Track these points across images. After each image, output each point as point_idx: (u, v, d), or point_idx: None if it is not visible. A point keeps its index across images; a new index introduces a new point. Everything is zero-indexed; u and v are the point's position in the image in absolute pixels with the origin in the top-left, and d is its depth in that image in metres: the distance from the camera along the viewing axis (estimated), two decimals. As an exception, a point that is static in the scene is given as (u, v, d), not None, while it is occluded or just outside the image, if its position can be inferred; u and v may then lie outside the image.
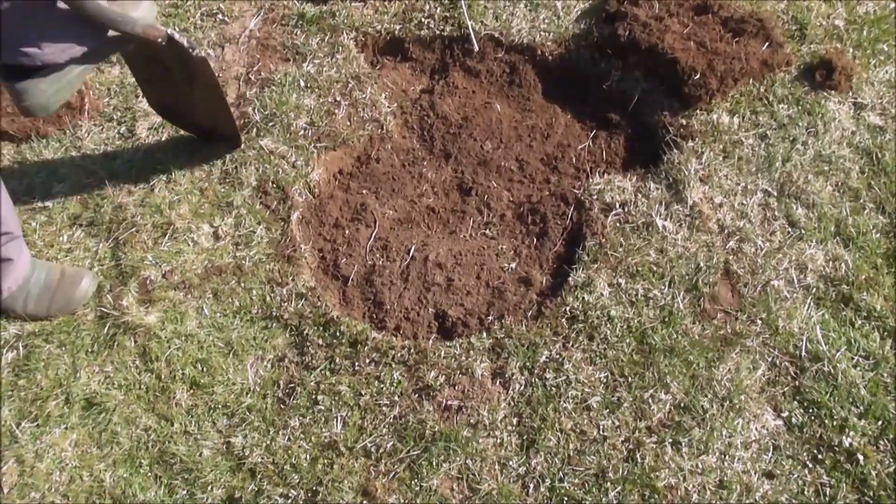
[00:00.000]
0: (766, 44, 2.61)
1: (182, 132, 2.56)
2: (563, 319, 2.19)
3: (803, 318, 2.19)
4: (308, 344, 2.18)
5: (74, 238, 2.37)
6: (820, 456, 2.01)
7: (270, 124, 2.58)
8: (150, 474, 2.02)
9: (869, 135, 2.51)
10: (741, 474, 1.98)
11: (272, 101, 2.62)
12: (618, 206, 2.37)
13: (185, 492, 2.00)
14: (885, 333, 2.17)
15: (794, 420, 2.06)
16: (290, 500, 1.97)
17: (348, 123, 2.60)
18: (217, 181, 2.46)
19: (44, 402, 2.10)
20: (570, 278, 2.26)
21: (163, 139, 2.54)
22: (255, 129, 2.58)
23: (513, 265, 2.35)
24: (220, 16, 2.84)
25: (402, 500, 1.97)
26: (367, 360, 2.14)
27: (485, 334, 2.19)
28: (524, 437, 2.04)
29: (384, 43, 2.82)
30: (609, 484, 1.97)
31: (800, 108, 2.56)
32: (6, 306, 2.22)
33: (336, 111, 2.62)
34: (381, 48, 2.83)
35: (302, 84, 2.68)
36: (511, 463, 2.01)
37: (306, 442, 2.04)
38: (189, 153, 2.51)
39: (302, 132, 2.57)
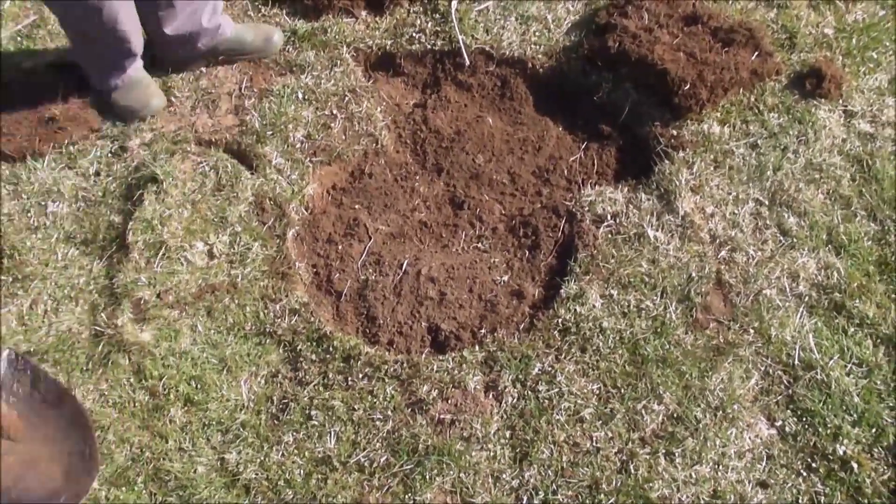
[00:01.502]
0: (756, 53, 2.62)
1: (175, 143, 2.57)
2: (556, 331, 2.19)
3: (796, 327, 2.19)
4: (301, 359, 2.18)
5: (69, 256, 2.38)
6: (814, 464, 2.01)
7: (269, 134, 2.60)
8: (144, 492, 2.03)
9: (859, 142, 2.52)
10: (735, 484, 1.98)
11: (271, 112, 2.64)
12: (609, 217, 2.38)
13: (179, 509, 2.01)
14: (878, 341, 2.17)
15: (787, 429, 2.06)
16: (284, 516, 1.98)
17: (343, 137, 2.61)
18: (210, 193, 2.47)
19: (39, 421, 2.11)
20: (562, 290, 2.26)
21: (155, 151, 2.54)
22: (255, 136, 2.60)
23: (505, 278, 2.35)
24: (212, 34, 2.85)
25: (396, 515, 1.97)
26: (361, 375, 2.15)
27: (477, 347, 2.19)
28: (517, 450, 2.04)
29: (376, 58, 2.83)
30: (603, 496, 1.97)
31: (790, 116, 2.57)
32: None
33: (332, 124, 2.63)
34: (373, 63, 2.84)
35: (300, 96, 2.70)
36: (504, 476, 2.01)
37: (300, 457, 2.05)
38: (181, 163, 2.51)
39: (299, 145, 2.58)
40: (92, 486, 2.02)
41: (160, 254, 2.33)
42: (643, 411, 2.08)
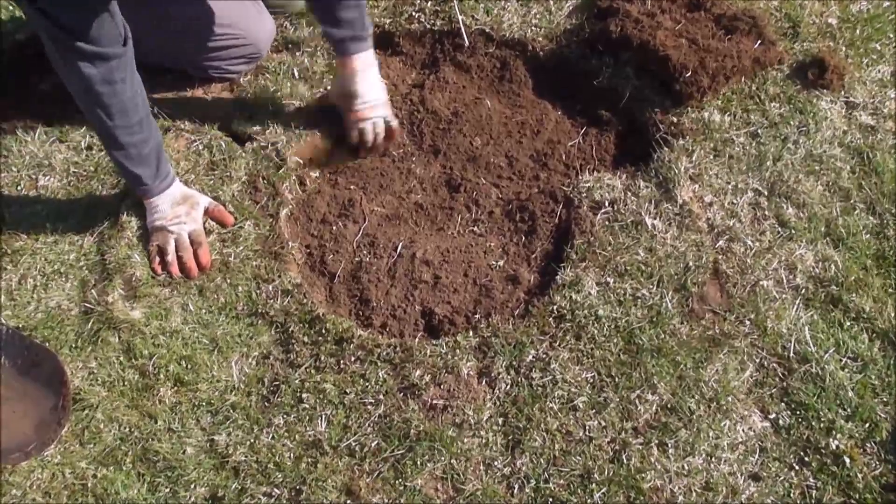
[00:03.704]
0: (759, 41, 2.59)
1: (169, 119, 2.54)
2: (551, 318, 2.17)
3: (792, 319, 2.18)
4: (293, 341, 2.16)
5: (59, 231, 2.35)
6: (807, 458, 2.00)
7: (264, 111, 2.57)
8: (132, 472, 2.01)
9: (860, 134, 2.50)
10: (727, 476, 1.98)
11: (266, 89, 2.62)
12: (607, 204, 2.36)
13: (167, 490, 1.98)
14: (874, 335, 2.16)
15: (781, 422, 2.05)
16: (273, 499, 1.96)
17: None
18: (203, 172, 2.44)
19: (26, 398, 2.09)
20: (557, 277, 2.24)
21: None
22: (249, 114, 2.57)
23: (500, 263, 2.33)
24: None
25: (386, 500, 1.95)
26: (353, 358, 2.13)
27: (471, 333, 2.17)
28: (509, 438, 2.03)
29: (374, 36, 2.78)
30: (594, 485, 1.96)
31: (791, 106, 2.54)
32: None
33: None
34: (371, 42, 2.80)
35: (296, 73, 2.67)
36: (496, 463, 1.99)
37: (290, 440, 2.03)
38: (175, 141, 2.50)
39: (293, 123, 2.54)
40: (60, 435, 2.03)
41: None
42: (637, 401, 2.06)
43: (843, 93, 2.58)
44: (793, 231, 2.31)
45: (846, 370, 2.11)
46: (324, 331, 2.16)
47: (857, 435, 2.02)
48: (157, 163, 2.21)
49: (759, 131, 2.49)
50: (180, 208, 2.29)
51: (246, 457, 2.01)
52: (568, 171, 2.51)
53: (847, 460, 1.98)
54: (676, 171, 2.39)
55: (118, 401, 2.09)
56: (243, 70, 2.65)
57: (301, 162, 2.49)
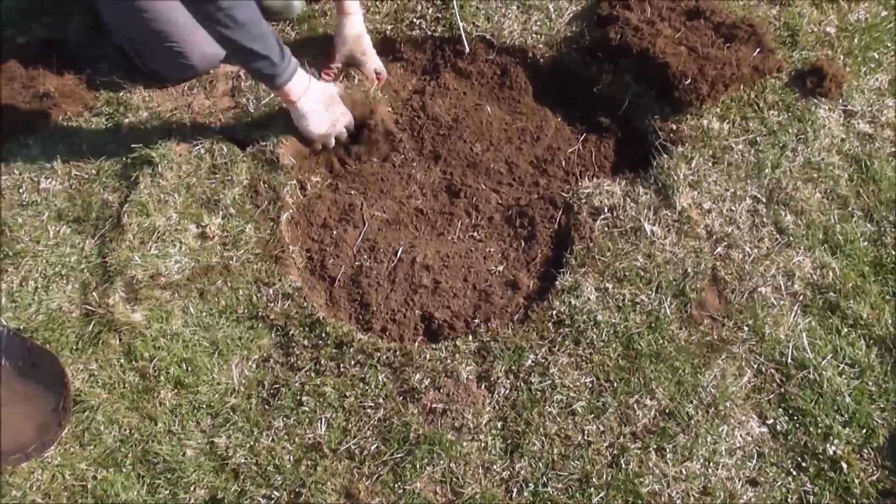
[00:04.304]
0: (758, 50, 2.61)
1: (171, 123, 2.55)
2: (550, 323, 2.18)
3: (790, 326, 2.19)
4: (293, 345, 2.17)
5: (61, 234, 2.36)
6: (804, 464, 2.01)
7: (265, 115, 2.58)
8: (132, 474, 2.02)
9: (858, 142, 2.51)
10: (725, 481, 1.98)
11: (266, 93, 2.62)
12: (606, 210, 2.37)
13: (167, 492, 1.99)
14: (871, 342, 2.17)
15: (778, 427, 2.06)
16: (273, 502, 1.97)
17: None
18: (205, 176, 2.45)
19: (27, 399, 2.10)
20: (557, 282, 2.25)
21: (150, 131, 2.53)
22: (250, 119, 2.58)
23: (500, 268, 2.34)
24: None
25: (385, 503, 1.96)
26: (353, 362, 2.13)
27: (471, 337, 2.18)
28: (508, 442, 2.03)
29: (375, 43, 2.80)
30: (593, 489, 1.96)
31: (790, 114, 2.56)
32: None
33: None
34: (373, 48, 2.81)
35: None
36: (495, 467, 2.00)
37: (290, 443, 2.04)
38: (176, 145, 2.50)
39: (295, 129, 2.55)
40: (60, 436, 2.05)
41: (154, 234, 2.31)
42: (635, 406, 2.07)
43: (841, 101, 2.59)
44: (791, 238, 2.32)
45: (844, 376, 2.12)
46: (324, 334, 2.17)
47: (854, 441, 2.03)
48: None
49: (757, 139, 2.50)
50: (335, 109, 2.50)
51: (246, 459, 2.01)
52: (567, 177, 2.52)
53: (844, 466, 1.99)
54: (675, 178, 2.40)
55: (118, 403, 2.10)
56: (177, 76, 2.68)
57: (301, 166, 2.50)
